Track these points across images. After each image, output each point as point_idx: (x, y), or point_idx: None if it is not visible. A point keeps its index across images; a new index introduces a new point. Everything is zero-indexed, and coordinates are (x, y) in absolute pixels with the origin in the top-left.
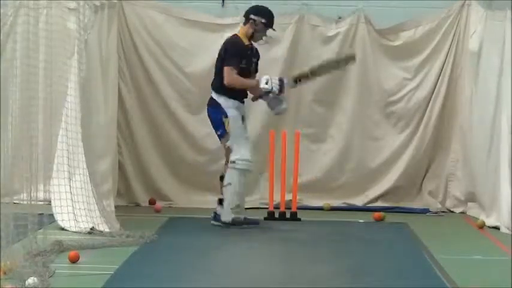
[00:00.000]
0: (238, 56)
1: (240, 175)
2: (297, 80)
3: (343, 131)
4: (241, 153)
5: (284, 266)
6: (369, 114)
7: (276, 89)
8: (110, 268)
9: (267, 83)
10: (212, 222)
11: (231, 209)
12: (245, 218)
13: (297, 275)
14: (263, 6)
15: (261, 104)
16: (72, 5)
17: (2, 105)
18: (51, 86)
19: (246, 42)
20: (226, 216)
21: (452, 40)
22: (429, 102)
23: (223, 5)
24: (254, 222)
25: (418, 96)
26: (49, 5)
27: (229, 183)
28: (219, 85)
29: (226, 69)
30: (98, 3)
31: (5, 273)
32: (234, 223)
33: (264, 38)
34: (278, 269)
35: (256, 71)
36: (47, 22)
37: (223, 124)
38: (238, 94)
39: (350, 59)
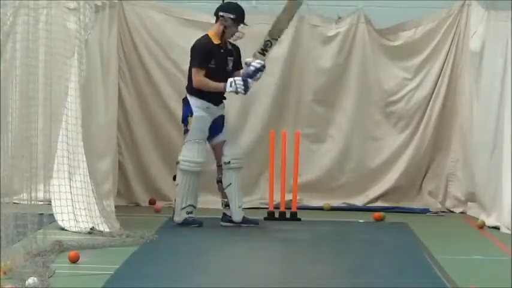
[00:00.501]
0: (205, 56)
1: (185, 175)
2: (263, 51)
3: (343, 131)
4: (184, 154)
5: (284, 266)
6: (369, 114)
7: (241, 89)
8: (110, 268)
9: (231, 86)
10: (221, 223)
11: (182, 209)
12: (244, 218)
13: (297, 275)
14: (232, 2)
15: (261, 104)
16: (72, 5)
17: (2, 105)
18: (51, 86)
19: (217, 41)
20: (177, 216)
21: (452, 40)
22: (429, 102)
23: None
24: (254, 222)
25: (418, 96)
26: (49, 5)
27: (177, 184)
28: (189, 86)
29: (193, 70)
30: (99, 3)
31: (5, 273)
32: (186, 223)
33: (236, 34)
34: (278, 269)
35: (237, 68)
36: (47, 22)
37: (187, 122)
38: (208, 96)
39: (295, 3)
